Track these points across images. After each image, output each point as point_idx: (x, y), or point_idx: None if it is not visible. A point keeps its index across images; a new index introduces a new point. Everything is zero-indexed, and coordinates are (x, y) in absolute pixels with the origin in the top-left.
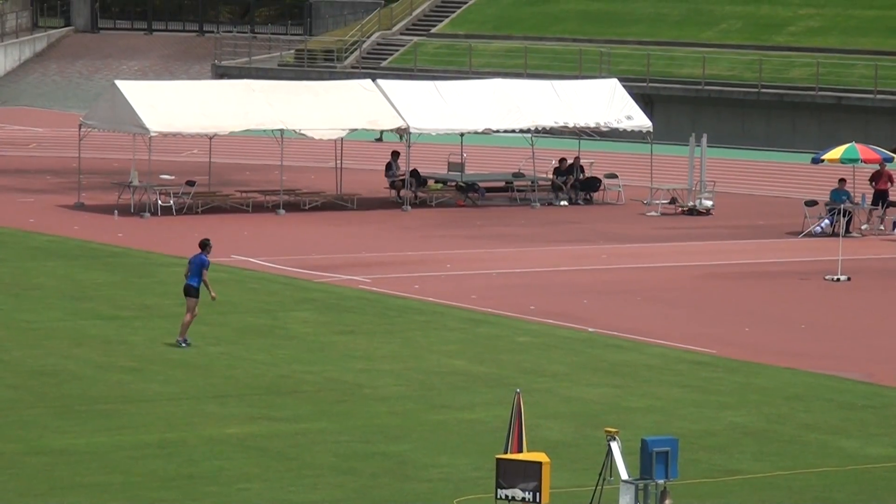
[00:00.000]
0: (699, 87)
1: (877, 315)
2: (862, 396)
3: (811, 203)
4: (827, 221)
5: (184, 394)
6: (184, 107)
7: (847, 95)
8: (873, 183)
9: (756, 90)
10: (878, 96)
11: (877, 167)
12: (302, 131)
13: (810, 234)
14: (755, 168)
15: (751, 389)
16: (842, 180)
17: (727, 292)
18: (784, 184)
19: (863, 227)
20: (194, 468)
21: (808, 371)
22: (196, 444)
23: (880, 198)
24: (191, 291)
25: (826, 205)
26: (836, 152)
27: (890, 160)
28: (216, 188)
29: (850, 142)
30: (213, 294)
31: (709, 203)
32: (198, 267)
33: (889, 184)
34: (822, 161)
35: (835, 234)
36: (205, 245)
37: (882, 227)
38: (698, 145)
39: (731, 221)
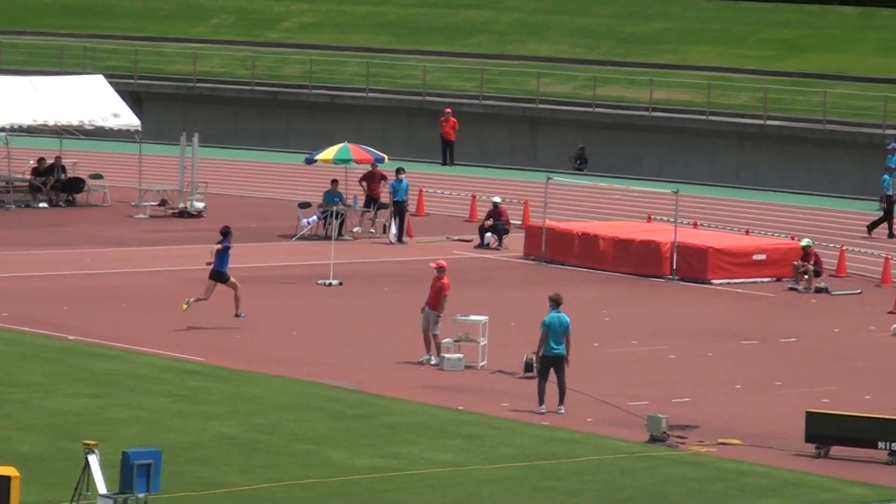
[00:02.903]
0: (191, 84)
1: (367, 321)
2: (351, 405)
3: (305, 205)
4: (314, 217)
5: None
6: None
7: (340, 94)
8: (364, 184)
9: (249, 88)
10: (371, 94)
11: (369, 168)
12: None
13: (303, 238)
14: (249, 168)
15: (240, 399)
16: (334, 181)
17: (219, 298)
18: (278, 185)
19: (355, 230)
20: None
21: (300, 379)
22: None
23: (372, 200)
24: (221, 276)
25: (319, 206)
26: (329, 152)
27: (381, 161)
28: None
29: (344, 142)
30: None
31: (200, 205)
32: (226, 254)
33: (381, 183)
34: (316, 161)
35: (327, 237)
36: (227, 233)
37: (373, 230)
38: (189, 144)
39: (224, 224)
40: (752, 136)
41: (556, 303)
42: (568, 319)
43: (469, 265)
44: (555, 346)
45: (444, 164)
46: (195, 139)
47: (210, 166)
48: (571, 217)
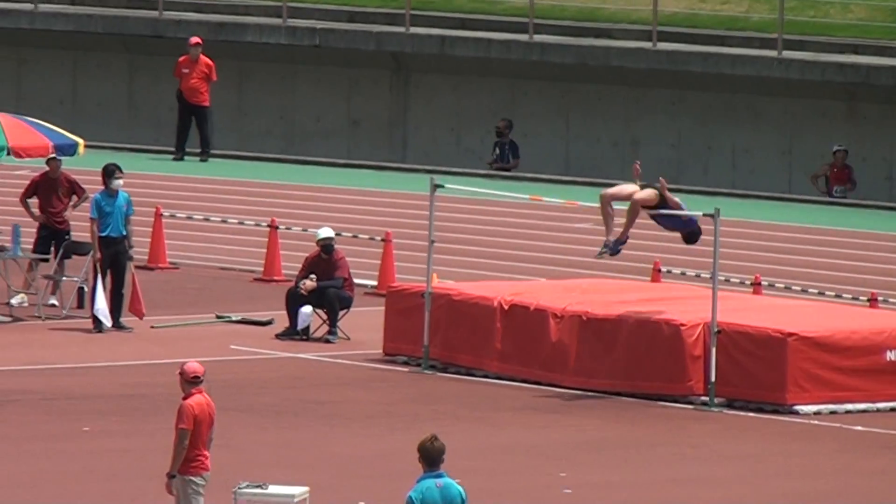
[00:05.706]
0: None
1: (43, 499)
2: None
3: None
4: None
5: None
6: None
7: None
8: (36, 201)
9: None
10: (44, 7)
11: (43, 166)
12: None
13: None
14: None
15: None
16: None
17: None
18: None
19: (14, 301)
20: None
21: None
22: None
23: (52, 235)
24: None
25: None
26: None
27: (71, 150)
28: None
29: None
30: None
31: None
32: None
33: (72, 199)
34: None
35: None
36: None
37: (55, 302)
38: None
39: None
40: (861, 92)
41: (430, 458)
42: (461, 493)
43: (267, 376)
44: None
45: (204, 157)
46: None
47: None
48: (488, 271)
